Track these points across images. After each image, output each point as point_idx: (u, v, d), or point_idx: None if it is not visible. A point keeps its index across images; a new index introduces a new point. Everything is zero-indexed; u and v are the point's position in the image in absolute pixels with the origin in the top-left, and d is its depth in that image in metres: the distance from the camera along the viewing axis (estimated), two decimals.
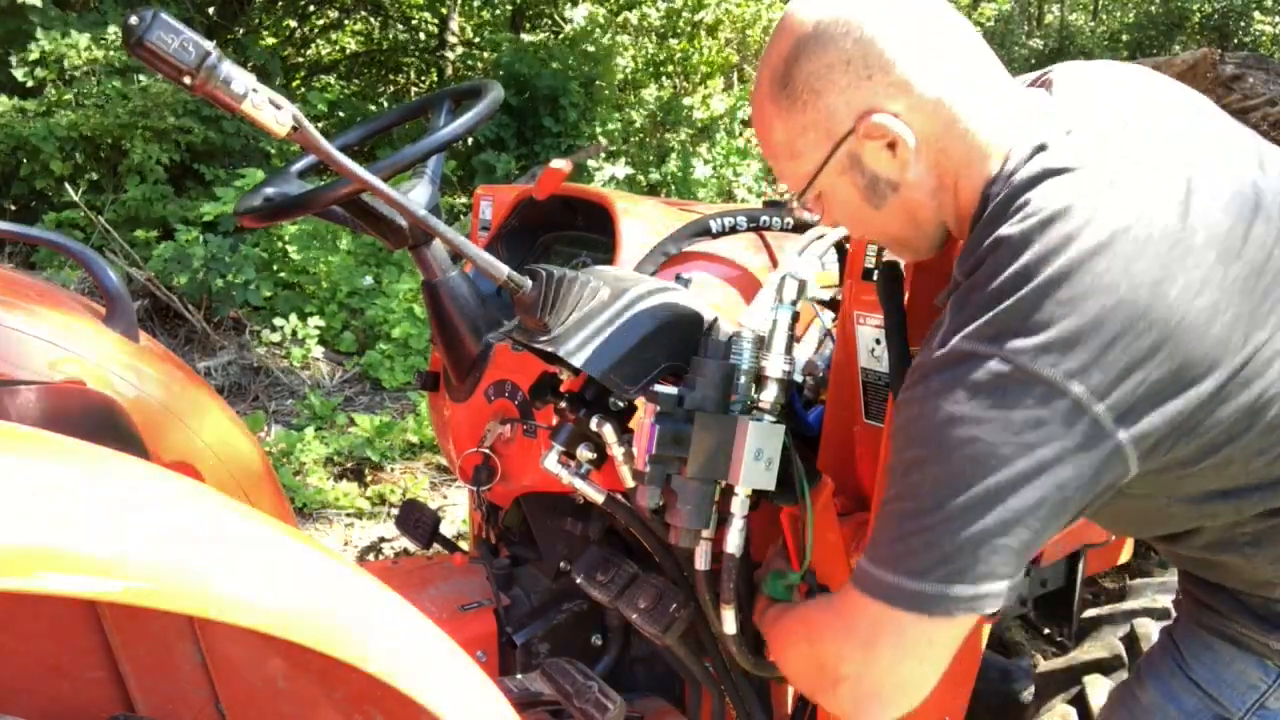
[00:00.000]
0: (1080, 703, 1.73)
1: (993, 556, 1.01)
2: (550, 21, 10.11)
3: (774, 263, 1.88)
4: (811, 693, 1.24)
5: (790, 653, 1.27)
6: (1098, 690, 1.72)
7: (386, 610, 1.02)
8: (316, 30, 10.88)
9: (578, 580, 1.76)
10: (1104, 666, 1.76)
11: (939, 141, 1.11)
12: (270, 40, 9.65)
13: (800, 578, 1.43)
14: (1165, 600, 1.85)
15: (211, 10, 8.44)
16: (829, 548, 1.48)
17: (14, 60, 6.43)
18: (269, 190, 1.85)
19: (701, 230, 1.82)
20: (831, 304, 1.58)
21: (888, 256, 1.41)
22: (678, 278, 1.58)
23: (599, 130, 8.31)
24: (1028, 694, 1.97)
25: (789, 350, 1.36)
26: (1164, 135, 1.08)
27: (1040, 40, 15.00)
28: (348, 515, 3.98)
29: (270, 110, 1.23)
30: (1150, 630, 1.77)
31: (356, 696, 1.13)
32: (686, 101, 9.28)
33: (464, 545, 2.82)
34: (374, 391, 5.50)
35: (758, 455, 1.31)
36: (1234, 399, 1.01)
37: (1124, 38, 14.49)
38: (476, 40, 9.94)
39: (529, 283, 1.45)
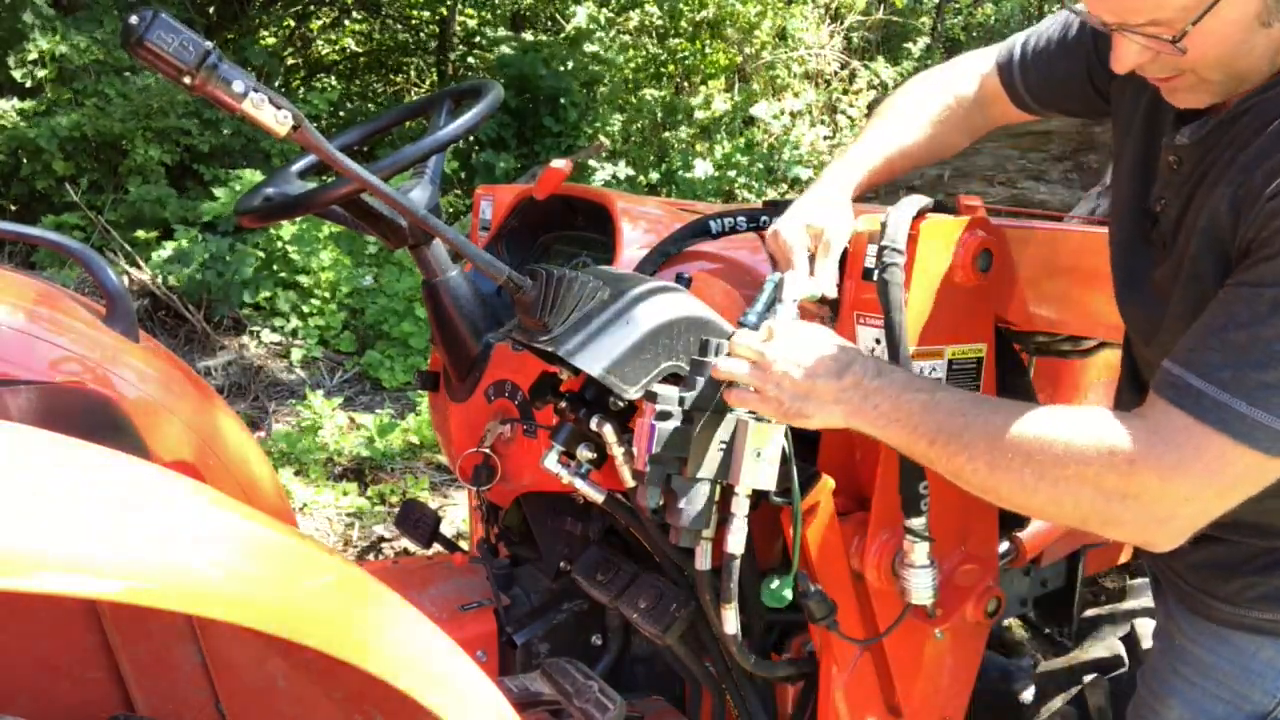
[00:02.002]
0: (1080, 703, 1.73)
1: None
2: (551, 22, 10.12)
3: (774, 263, 1.88)
4: (1081, 510, 1.09)
5: (1051, 461, 1.09)
6: (1097, 690, 1.72)
7: (386, 610, 1.02)
8: (316, 30, 10.87)
9: (578, 580, 1.76)
10: (1104, 666, 1.76)
11: None
12: (270, 40, 9.64)
13: (792, 581, 1.43)
14: None
15: (211, 10, 8.44)
16: (829, 548, 1.49)
17: (13, 60, 6.43)
18: (269, 190, 1.85)
19: (701, 230, 1.82)
20: (831, 304, 1.58)
21: (889, 258, 1.40)
22: (678, 277, 1.58)
23: (599, 130, 8.30)
24: (1028, 694, 1.97)
25: None
26: None
27: None
28: (348, 515, 3.98)
29: (270, 110, 1.23)
30: (1151, 630, 1.77)
31: (356, 696, 1.13)
32: (688, 100, 9.28)
33: (464, 545, 2.82)
34: (374, 391, 5.49)
35: (758, 455, 1.32)
36: None
37: None
38: (477, 40, 9.94)
39: (529, 283, 1.45)
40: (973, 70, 1.60)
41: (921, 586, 1.43)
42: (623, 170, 7.97)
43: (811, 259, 1.47)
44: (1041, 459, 1.09)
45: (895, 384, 1.22)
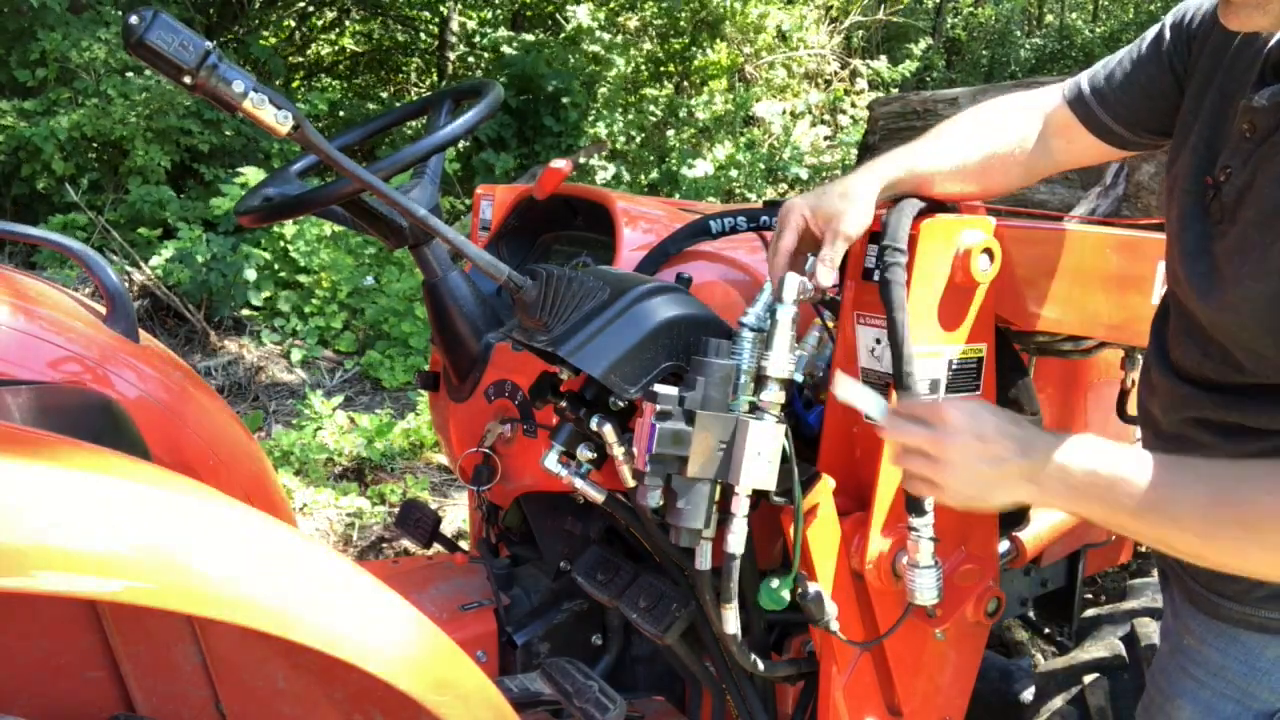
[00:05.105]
0: (1080, 703, 1.73)
1: None
2: (551, 21, 10.12)
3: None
4: None
5: (1259, 522, 1.06)
6: (1098, 690, 1.72)
7: (386, 610, 1.02)
8: (316, 30, 10.88)
9: (578, 580, 1.76)
10: (1104, 666, 1.76)
11: None
12: (270, 40, 9.65)
13: (792, 582, 1.43)
14: None
15: (211, 10, 8.44)
16: (829, 548, 1.49)
17: (13, 60, 6.43)
18: (269, 190, 1.86)
19: (701, 230, 1.82)
20: (831, 304, 1.58)
21: (890, 257, 1.40)
22: (678, 277, 1.58)
23: (600, 130, 8.31)
24: (1028, 694, 1.97)
25: (790, 350, 1.36)
26: None
27: (1040, 40, 15.01)
28: (348, 515, 3.98)
29: (271, 110, 1.23)
30: (1151, 630, 1.77)
31: (356, 696, 1.13)
32: (688, 101, 9.29)
33: (464, 545, 2.82)
34: (374, 391, 5.49)
35: (758, 455, 1.31)
36: None
37: (1124, 37, 14.50)
38: (476, 40, 9.94)
39: (529, 283, 1.45)
40: (1036, 106, 1.55)
41: (926, 587, 1.43)
42: (623, 170, 7.97)
43: (816, 248, 1.46)
44: (1253, 522, 1.07)
45: (1084, 458, 1.16)
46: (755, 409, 1.35)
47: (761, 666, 1.54)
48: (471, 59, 9.93)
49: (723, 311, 1.51)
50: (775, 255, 1.46)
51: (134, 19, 1.15)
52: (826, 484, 1.44)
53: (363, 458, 4.44)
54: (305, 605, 0.93)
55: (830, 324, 1.58)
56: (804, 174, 8.92)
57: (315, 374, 5.52)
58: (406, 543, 3.64)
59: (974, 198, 1.55)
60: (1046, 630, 2.35)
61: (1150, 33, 1.42)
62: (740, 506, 1.35)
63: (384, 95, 10.45)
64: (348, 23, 10.91)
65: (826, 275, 1.42)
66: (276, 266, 5.84)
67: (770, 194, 8.68)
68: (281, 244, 5.81)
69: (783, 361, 1.35)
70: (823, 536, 1.47)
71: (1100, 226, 1.76)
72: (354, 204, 1.77)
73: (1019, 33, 15.21)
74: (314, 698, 1.16)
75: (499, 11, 10.12)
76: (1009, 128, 1.54)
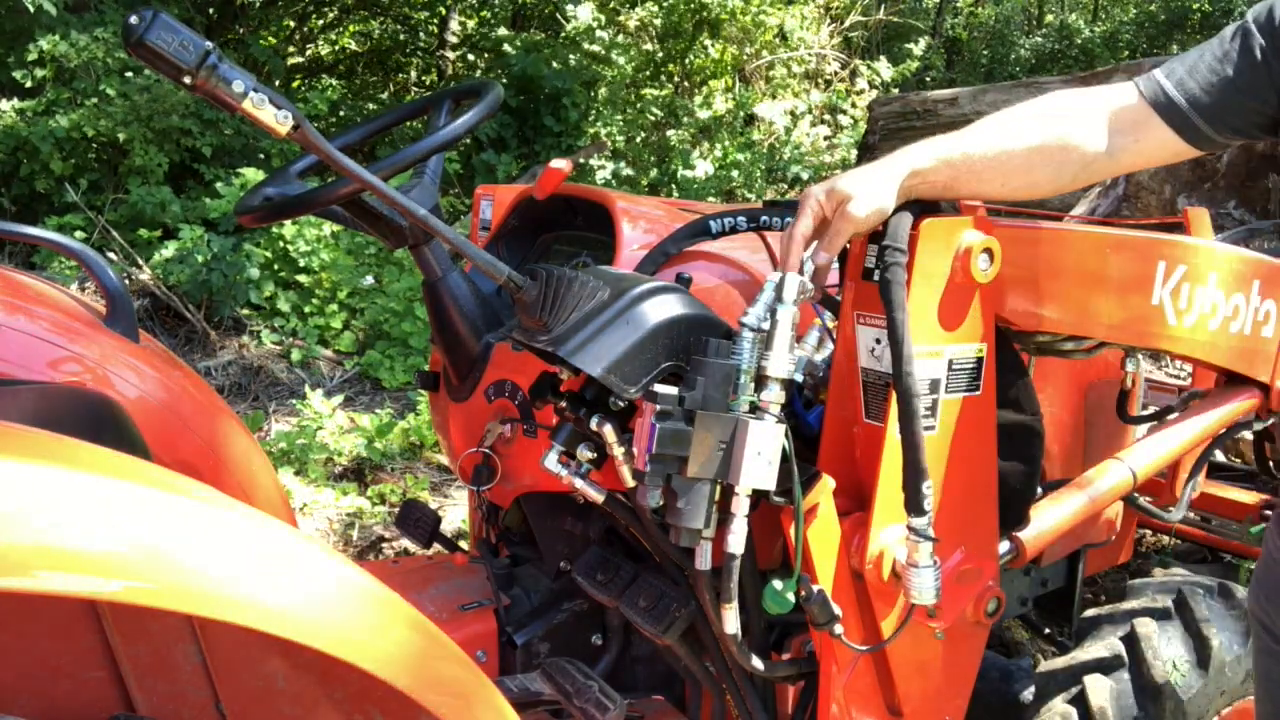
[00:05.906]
0: (1080, 703, 1.72)
1: None
2: (551, 21, 10.12)
3: (774, 263, 1.88)
4: None
5: None
6: (1098, 690, 1.72)
7: (386, 610, 1.02)
8: (316, 30, 10.88)
9: (578, 580, 1.76)
10: (1104, 666, 1.76)
11: None
12: (270, 40, 9.65)
13: (795, 584, 1.43)
14: (1165, 600, 1.85)
15: (211, 10, 8.44)
16: (829, 548, 1.49)
17: (11, 61, 6.43)
18: (269, 190, 1.86)
19: (701, 230, 1.82)
20: (831, 304, 1.58)
21: (890, 257, 1.40)
22: (678, 277, 1.58)
23: (600, 130, 8.31)
24: (1028, 694, 1.97)
25: (790, 350, 1.36)
26: None
27: (1040, 39, 15.01)
28: (348, 515, 3.98)
29: (270, 110, 1.23)
30: (1151, 630, 1.77)
31: (356, 696, 1.13)
32: (688, 101, 9.29)
33: (464, 545, 2.82)
34: (374, 391, 5.49)
35: (758, 455, 1.31)
36: None
37: (1124, 37, 14.50)
38: (476, 40, 9.94)
39: (529, 283, 1.45)
40: (1097, 104, 1.47)
41: (925, 587, 1.43)
42: (623, 170, 7.98)
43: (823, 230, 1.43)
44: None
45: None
46: (755, 409, 1.35)
47: (761, 666, 1.54)
48: (471, 59, 9.93)
49: (723, 311, 1.51)
50: (789, 240, 1.41)
51: (134, 19, 1.15)
52: (826, 484, 1.44)
53: (363, 458, 4.44)
54: (305, 605, 0.93)
55: (830, 324, 1.58)
56: (804, 174, 8.93)
57: (315, 374, 5.52)
58: (406, 543, 3.64)
59: (1014, 197, 1.48)
60: (1046, 630, 2.35)
61: (1228, 32, 1.39)
62: (740, 506, 1.35)
63: (384, 95, 10.45)
64: (348, 23, 10.91)
65: (823, 255, 1.40)
66: (276, 266, 5.84)
67: (770, 194, 8.68)
68: (281, 244, 5.81)
69: (783, 361, 1.35)
70: (823, 536, 1.47)
71: (1100, 226, 1.76)
72: (354, 204, 1.77)
73: (1019, 32, 15.21)
74: (314, 698, 1.16)
75: (499, 11, 10.12)
76: (1064, 123, 1.44)
